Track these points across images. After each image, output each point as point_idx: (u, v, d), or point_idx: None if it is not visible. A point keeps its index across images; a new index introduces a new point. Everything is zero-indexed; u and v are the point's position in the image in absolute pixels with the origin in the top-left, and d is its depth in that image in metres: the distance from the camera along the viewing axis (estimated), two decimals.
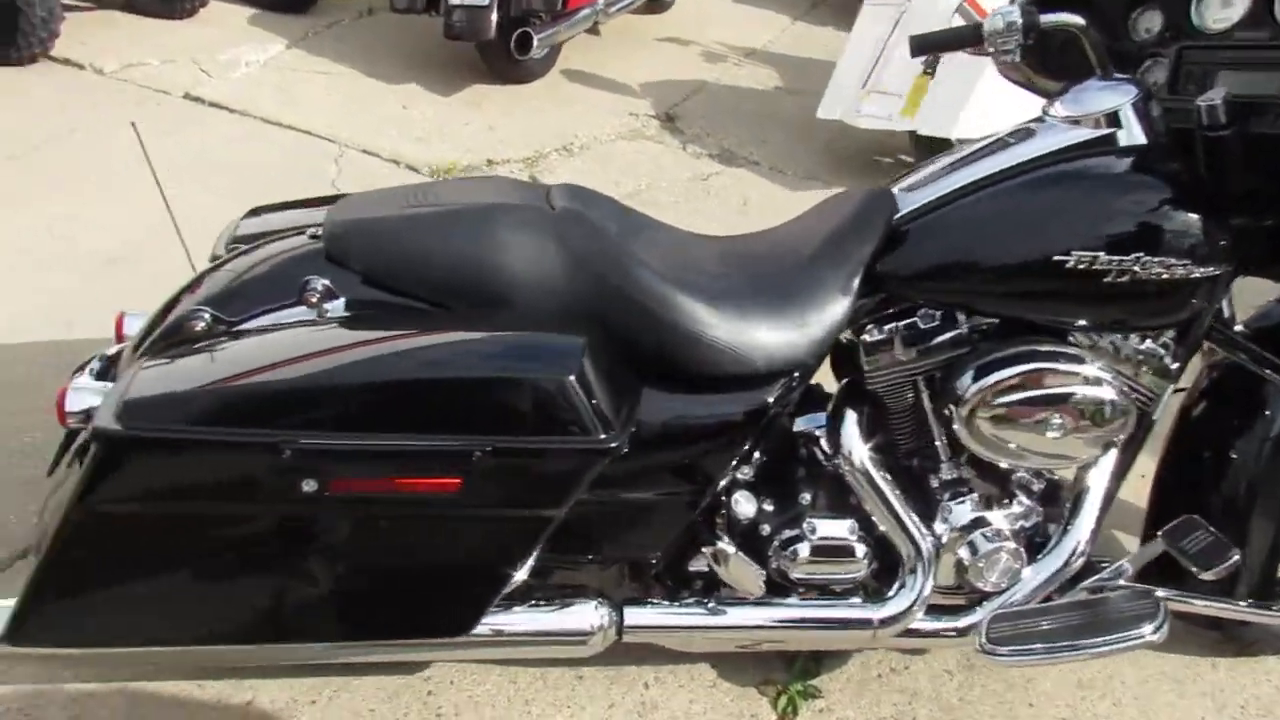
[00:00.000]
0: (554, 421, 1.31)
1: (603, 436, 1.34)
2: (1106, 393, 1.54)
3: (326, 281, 1.42)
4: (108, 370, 1.53)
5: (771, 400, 1.55)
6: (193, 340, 1.39)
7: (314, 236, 1.52)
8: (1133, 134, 1.55)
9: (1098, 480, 1.68)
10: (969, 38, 1.72)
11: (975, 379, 1.55)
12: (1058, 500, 1.73)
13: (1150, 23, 1.71)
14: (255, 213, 1.75)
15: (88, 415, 1.38)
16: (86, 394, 1.41)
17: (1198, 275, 1.50)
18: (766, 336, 1.52)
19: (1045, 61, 1.78)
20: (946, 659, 1.94)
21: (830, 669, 1.89)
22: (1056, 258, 1.49)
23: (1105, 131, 1.56)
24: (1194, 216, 1.50)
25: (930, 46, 1.80)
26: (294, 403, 1.28)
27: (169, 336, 1.42)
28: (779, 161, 4.29)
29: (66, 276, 2.88)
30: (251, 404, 1.28)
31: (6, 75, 4.09)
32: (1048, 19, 1.65)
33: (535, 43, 4.31)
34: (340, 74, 4.56)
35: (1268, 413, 1.74)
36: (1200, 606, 1.75)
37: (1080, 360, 1.55)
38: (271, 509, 1.33)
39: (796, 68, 5.46)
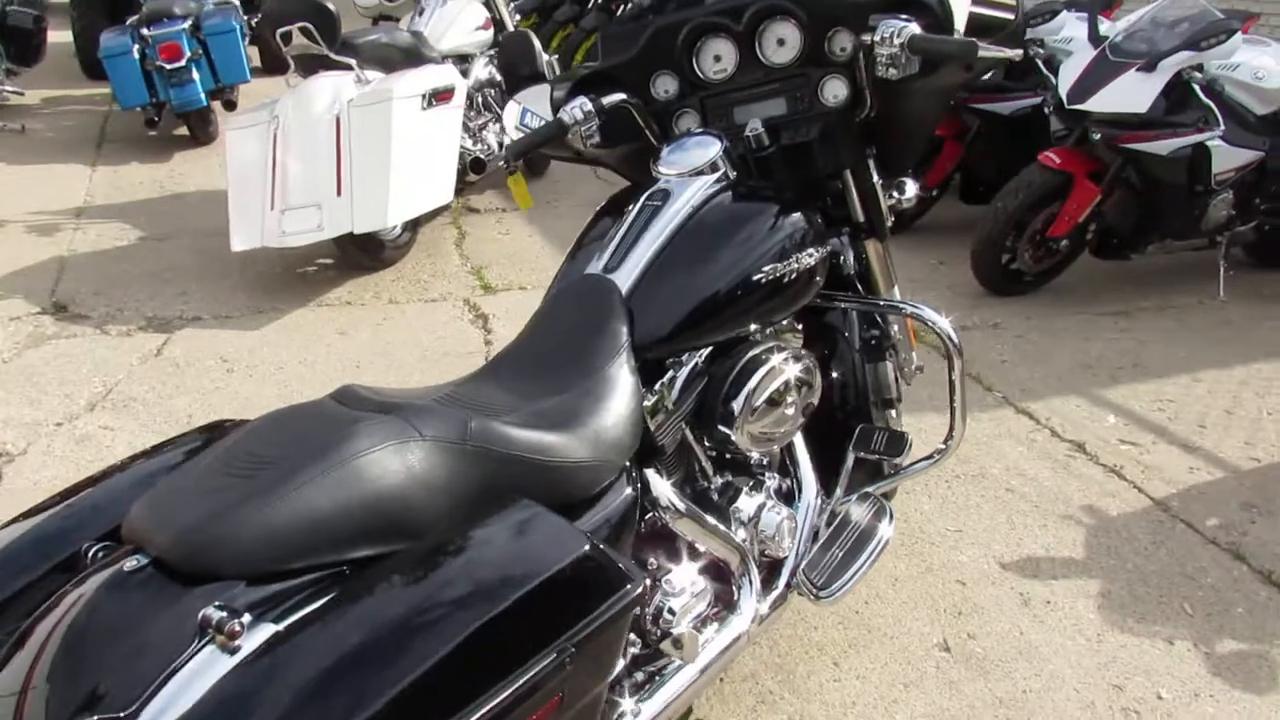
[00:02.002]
0: (604, 588, 1.27)
1: (636, 578, 1.33)
2: (805, 363, 1.94)
3: (217, 609, 1.15)
4: None
5: (631, 492, 1.65)
6: None
7: (102, 560, 1.22)
8: (729, 172, 1.95)
9: (798, 434, 2.09)
10: (554, 133, 1.98)
11: (733, 399, 1.83)
12: (779, 462, 2.11)
13: (667, 85, 2.10)
14: None
15: None
16: None
17: (822, 252, 1.96)
18: (609, 442, 1.61)
19: (611, 137, 2.09)
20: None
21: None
22: (754, 278, 1.83)
23: (718, 175, 1.92)
24: (797, 214, 1.95)
25: (524, 150, 2.02)
26: None
27: None
28: (218, 307, 4.03)
29: None
30: None
31: None
32: (609, 100, 1.98)
33: None
34: None
35: (847, 334, 2.32)
36: (895, 482, 2.28)
37: (781, 348, 1.93)
38: None
39: (144, 212, 5.07)
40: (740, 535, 1.88)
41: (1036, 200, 3.93)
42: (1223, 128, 3.73)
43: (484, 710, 1.11)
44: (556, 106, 2.10)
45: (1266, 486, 2.87)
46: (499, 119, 5.11)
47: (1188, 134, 3.77)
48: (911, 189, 2.18)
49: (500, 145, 5.09)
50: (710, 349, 1.89)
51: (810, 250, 1.92)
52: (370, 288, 4.26)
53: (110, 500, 1.44)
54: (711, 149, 1.94)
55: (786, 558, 1.99)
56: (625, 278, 1.81)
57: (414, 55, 4.51)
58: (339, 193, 3.92)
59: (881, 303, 2.18)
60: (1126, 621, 2.32)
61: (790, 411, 1.91)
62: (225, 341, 3.75)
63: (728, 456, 1.95)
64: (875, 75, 1.86)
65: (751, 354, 1.88)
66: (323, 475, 1.26)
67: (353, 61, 4.15)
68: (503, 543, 1.28)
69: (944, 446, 2.20)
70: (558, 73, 5.04)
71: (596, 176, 6.08)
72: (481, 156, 4.55)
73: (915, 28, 1.80)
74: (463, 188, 4.77)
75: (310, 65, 4.19)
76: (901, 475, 2.24)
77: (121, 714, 1.08)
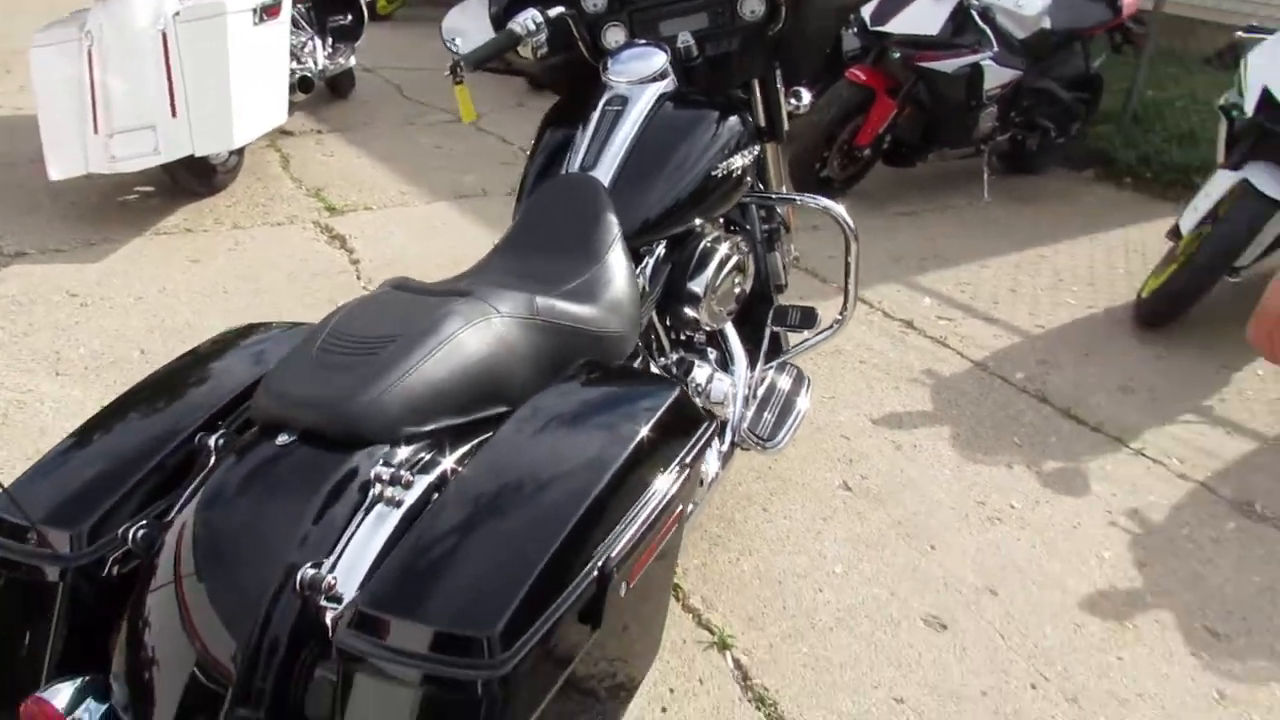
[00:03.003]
0: (699, 421, 1.49)
1: (709, 418, 1.55)
2: (743, 249, 2.24)
3: (385, 467, 1.29)
4: None
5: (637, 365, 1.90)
6: None
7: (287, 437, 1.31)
8: (675, 79, 2.18)
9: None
10: (508, 42, 2.13)
11: (695, 281, 2.09)
12: (711, 341, 2.41)
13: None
14: None
15: None
16: None
17: (756, 151, 2.25)
18: (630, 318, 1.83)
19: (553, 48, 2.26)
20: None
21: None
22: (712, 173, 2.08)
23: (667, 81, 2.15)
24: (736, 117, 2.22)
25: (481, 61, 2.15)
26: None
27: None
28: (41, 240, 3.75)
29: None
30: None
31: None
32: (553, 12, 2.16)
33: None
34: None
35: (749, 226, 2.63)
36: (805, 349, 2.63)
37: (724, 238, 2.21)
38: None
39: None
40: (696, 403, 2.17)
41: (845, 113, 4.41)
42: (995, 49, 4.35)
43: (636, 526, 1.28)
44: (498, 20, 2.24)
45: (1051, 346, 3.51)
46: (314, 37, 4.97)
47: (966, 54, 4.36)
48: (806, 97, 2.50)
49: (316, 64, 4.96)
50: (666, 240, 2.14)
51: (748, 149, 2.20)
52: (206, 214, 4.11)
53: (184, 397, 1.50)
54: (659, 58, 2.15)
55: (729, 419, 2.30)
56: (604, 174, 2.01)
57: None
58: (174, 114, 3.74)
59: (795, 198, 2.50)
60: (975, 454, 2.85)
61: (737, 291, 2.22)
62: (66, 276, 3.54)
63: (678, 336, 2.22)
64: None
65: (704, 243, 2.15)
66: (438, 348, 1.40)
67: None
68: (615, 390, 1.49)
69: (840, 317, 2.58)
70: None
71: (404, 96, 6.02)
72: (309, 75, 4.44)
73: None
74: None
75: None
76: (810, 344, 2.61)
77: (323, 563, 1.20)
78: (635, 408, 1.45)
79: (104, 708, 1.23)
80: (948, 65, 4.34)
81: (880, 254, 4.16)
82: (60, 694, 1.22)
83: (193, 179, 4.09)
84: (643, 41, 2.21)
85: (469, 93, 2.54)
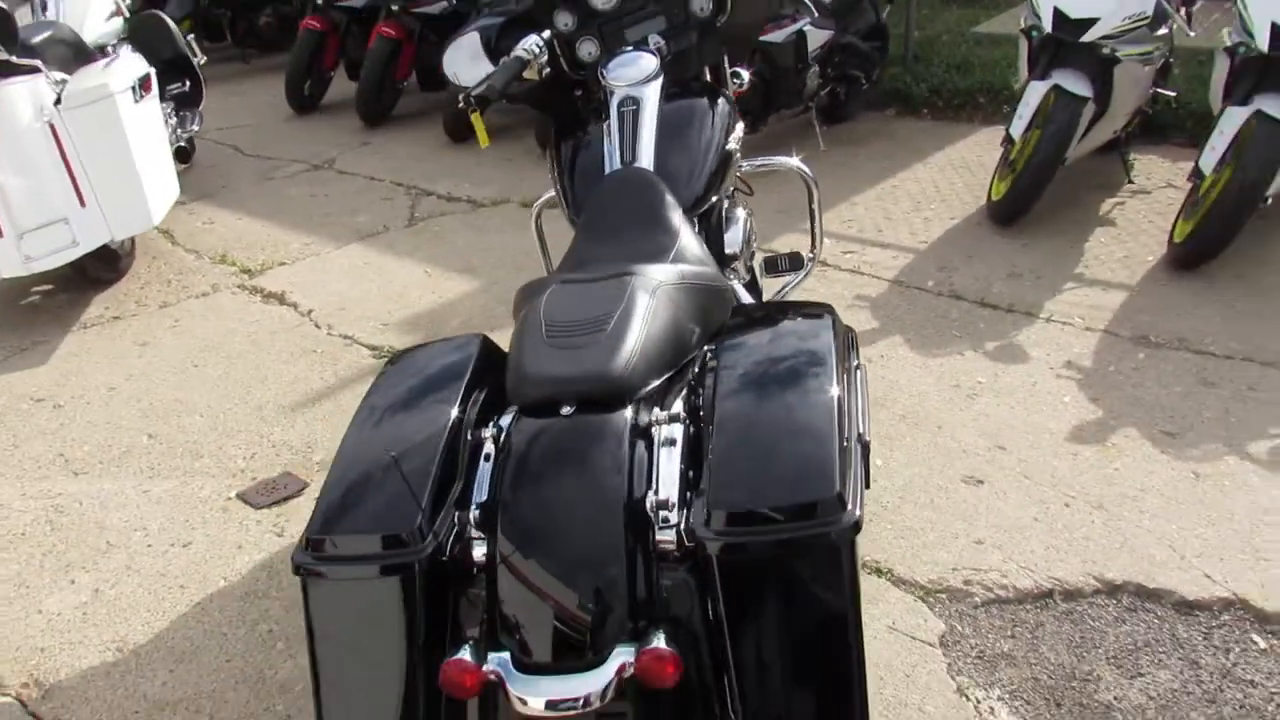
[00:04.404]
0: (851, 335, 1.84)
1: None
2: (749, 210, 2.62)
3: (662, 413, 1.58)
4: None
5: None
6: None
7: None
8: (663, 78, 2.50)
9: None
10: (519, 67, 2.38)
11: (729, 241, 2.46)
12: None
13: (566, 19, 2.58)
14: None
15: None
16: None
17: (741, 125, 2.62)
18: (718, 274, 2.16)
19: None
20: None
21: None
22: (726, 148, 2.40)
23: (661, 79, 2.46)
24: (723, 99, 2.57)
25: (504, 87, 2.39)
26: None
27: None
28: None
29: None
30: None
31: None
32: (545, 35, 2.44)
33: None
34: None
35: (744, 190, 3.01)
36: (790, 289, 3.01)
37: (738, 204, 2.58)
38: None
39: None
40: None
41: None
42: (814, 15, 4.93)
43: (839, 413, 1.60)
44: (495, 46, 2.49)
45: (940, 255, 4.12)
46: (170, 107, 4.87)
47: (788, 24, 4.93)
48: (745, 75, 2.90)
49: (176, 131, 4.87)
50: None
51: (737, 124, 2.58)
52: (124, 299, 4.03)
53: (420, 406, 1.70)
54: (651, 61, 2.47)
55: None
56: (646, 165, 2.31)
57: (80, 50, 4.19)
58: (82, 203, 3.67)
59: (767, 161, 2.90)
60: (931, 350, 3.37)
61: (752, 249, 2.60)
62: (19, 383, 3.43)
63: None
64: None
65: (724, 210, 2.52)
66: (648, 318, 1.70)
67: (38, 63, 3.80)
68: (786, 318, 1.81)
69: (811, 256, 3.00)
70: (196, 51, 5.29)
71: (245, 154, 5.96)
72: (183, 145, 4.41)
73: None
74: None
75: None
76: (794, 284, 3.02)
77: (657, 491, 1.48)
78: (814, 324, 1.80)
79: (504, 654, 1.45)
80: (778, 35, 4.88)
81: (769, 206, 4.65)
82: (466, 653, 1.43)
83: (102, 267, 3.99)
84: (630, 48, 2.52)
85: (482, 120, 2.77)
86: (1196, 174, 3.73)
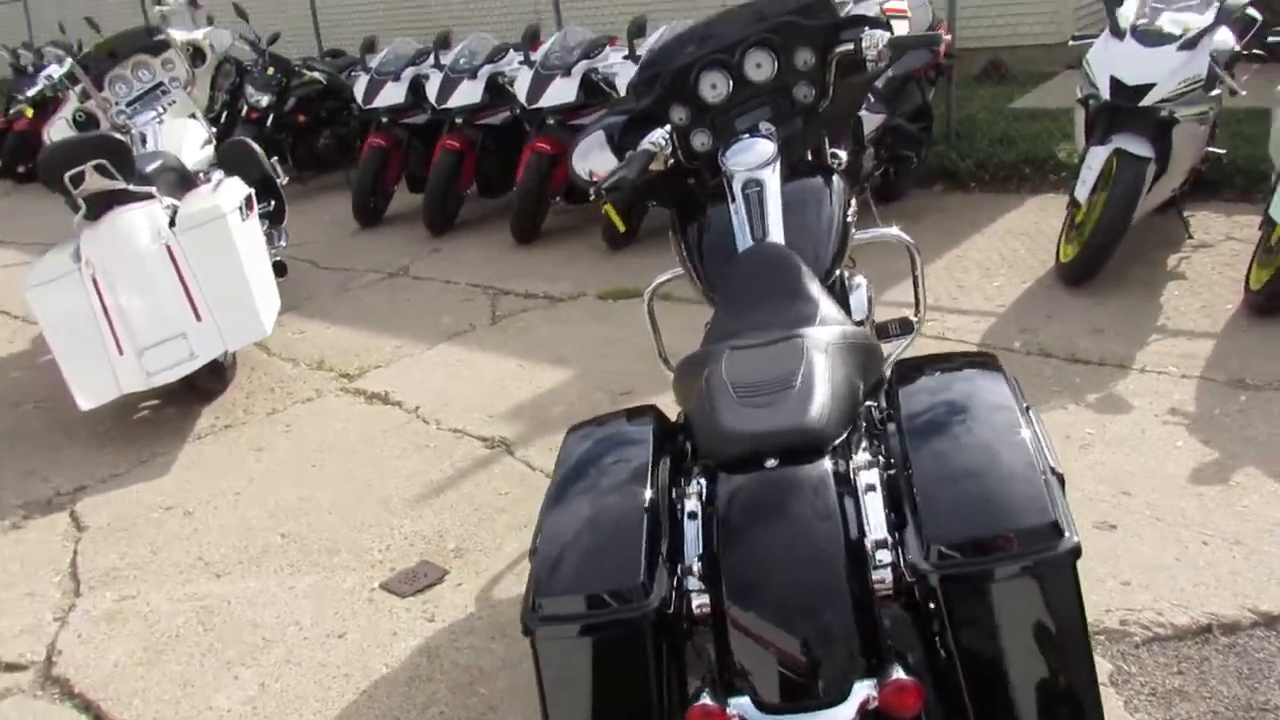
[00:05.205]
0: (1008, 376, 1.93)
1: None
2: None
3: (859, 459, 1.67)
4: None
5: None
6: None
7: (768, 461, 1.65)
8: (781, 160, 2.65)
9: None
10: (647, 160, 2.53)
11: (855, 309, 2.59)
12: None
13: (680, 114, 2.75)
14: None
15: None
16: None
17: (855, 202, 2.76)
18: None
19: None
20: None
21: None
22: (846, 221, 2.55)
23: (779, 161, 2.61)
24: (836, 176, 2.71)
25: (630, 182, 2.53)
26: None
27: None
28: (92, 471, 3.71)
29: None
30: None
31: None
32: (668, 128, 2.60)
33: None
34: None
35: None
36: (901, 350, 3.10)
37: (852, 269, 2.71)
38: None
39: None
40: None
41: None
42: (870, 100, 5.15)
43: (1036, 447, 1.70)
44: (620, 141, 2.66)
45: (1020, 317, 4.21)
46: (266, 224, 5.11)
47: None
48: (843, 155, 3.05)
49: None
50: None
51: (852, 200, 2.72)
52: (232, 410, 4.17)
53: (613, 470, 1.79)
54: (769, 145, 2.62)
55: None
56: (777, 240, 2.45)
57: (184, 176, 4.44)
58: (198, 318, 3.84)
59: (871, 233, 3.03)
60: (1036, 406, 3.42)
61: (872, 314, 2.71)
62: (146, 494, 3.54)
63: None
64: (840, 72, 2.67)
65: (845, 278, 2.64)
66: (826, 373, 1.79)
67: (153, 190, 4.04)
68: (949, 366, 1.90)
69: (918, 320, 3.10)
70: (279, 172, 5.57)
71: (321, 267, 6.20)
72: (281, 260, 4.62)
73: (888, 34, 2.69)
74: None
75: (96, 201, 3.98)
76: (903, 347, 3.10)
77: (872, 533, 1.56)
78: (986, 370, 1.89)
79: (744, 698, 1.51)
80: None
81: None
82: (708, 698, 1.49)
83: (211, 378, 4.15)
84: (745, 135, 2.67)
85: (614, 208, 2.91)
86: (1268, 222, 3.86)
